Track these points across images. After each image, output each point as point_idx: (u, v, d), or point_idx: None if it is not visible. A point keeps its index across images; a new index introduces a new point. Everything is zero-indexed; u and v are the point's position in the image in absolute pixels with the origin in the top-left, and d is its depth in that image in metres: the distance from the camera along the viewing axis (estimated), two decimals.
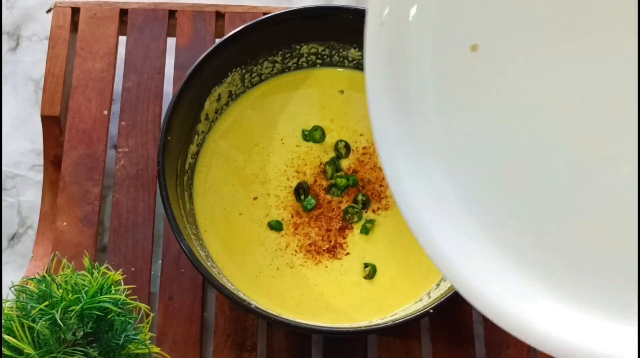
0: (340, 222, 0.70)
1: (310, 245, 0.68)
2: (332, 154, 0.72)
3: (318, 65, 0.74)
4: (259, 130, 0.73)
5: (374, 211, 0.70)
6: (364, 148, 0.72)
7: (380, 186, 0.71)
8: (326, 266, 0.68)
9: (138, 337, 0.57)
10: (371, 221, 0.69)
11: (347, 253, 0.69)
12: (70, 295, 0.55)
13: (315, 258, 0.68)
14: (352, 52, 0.73)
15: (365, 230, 0.69)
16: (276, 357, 0.67)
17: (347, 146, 0.72)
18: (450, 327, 0.68)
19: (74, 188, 0.72)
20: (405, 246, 0.69)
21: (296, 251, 0.68)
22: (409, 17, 0.46)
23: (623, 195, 0.46)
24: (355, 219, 0.70)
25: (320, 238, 0.69)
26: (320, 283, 0.67)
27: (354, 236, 0.69)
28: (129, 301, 0.59)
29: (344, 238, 0.69)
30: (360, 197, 0.70)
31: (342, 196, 0.70)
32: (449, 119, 0.49)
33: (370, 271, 0.68)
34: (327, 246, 0.69)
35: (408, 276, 0.68)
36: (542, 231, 0.48)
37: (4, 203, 0.76)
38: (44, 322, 0.53)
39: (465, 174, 0.49)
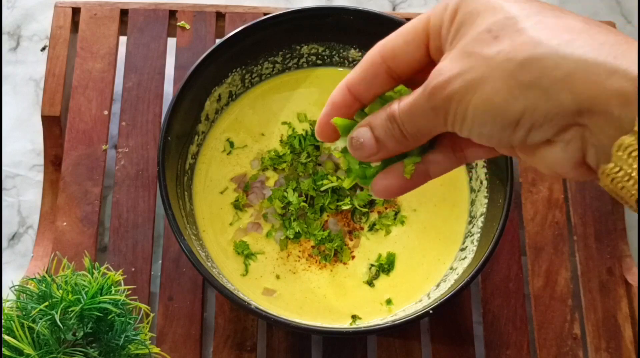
0: (348, 224, 0.69)
1: (312, 247, 0.68)
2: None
3: (318, 65, 0.74)
4: (259, 128, 0.73)
5: (379, 212, 0.70)
6: None
7: None
8: (331, 270, 0.68)
9: (138, 337, 0.57)
10: (379, 223, 0.69)
11: (353, 256, 0.68)
12: (70, 295, 0.55)
13: (320, 263, 0.68)
14: (353, 53, 0.73)
15: (372, 232, 0.69)
16: (276, 357, 0.67)
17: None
18: (450, 327, 0.69)
19: (74, 188, 0.72)
20: (407, 247, 0.69)
21: (299, 257, 0.68)
22: None
23: None
24: (363, 220, 0.69)
25: (325, 240, 0.69)
26: (324, 286, 0.67)
27: (361, 238, 0.69)
28: (129, 301, 0.59)
29: (351, 239, 0.69)
30: (365, 197, 0.70)
31: (345, 198, 0.70)
32: None
33: (376, 272, 0.67)
34: (332, 248, 0.68)
35: (408, 277, 0.68)
36: None
37: (4, 203, 0.76)
38: (44, 322, 0.54)
39: None
